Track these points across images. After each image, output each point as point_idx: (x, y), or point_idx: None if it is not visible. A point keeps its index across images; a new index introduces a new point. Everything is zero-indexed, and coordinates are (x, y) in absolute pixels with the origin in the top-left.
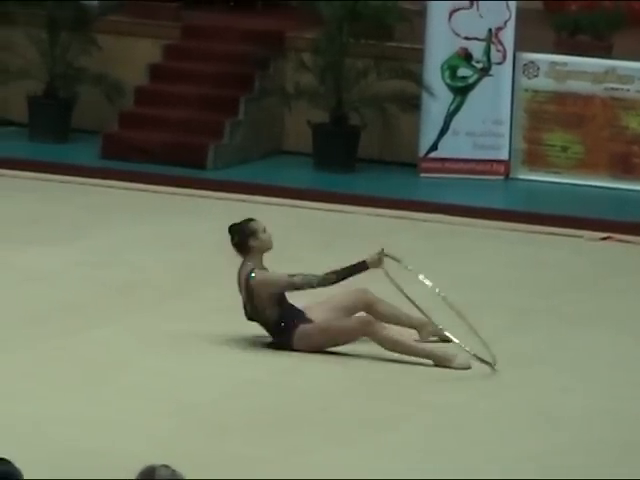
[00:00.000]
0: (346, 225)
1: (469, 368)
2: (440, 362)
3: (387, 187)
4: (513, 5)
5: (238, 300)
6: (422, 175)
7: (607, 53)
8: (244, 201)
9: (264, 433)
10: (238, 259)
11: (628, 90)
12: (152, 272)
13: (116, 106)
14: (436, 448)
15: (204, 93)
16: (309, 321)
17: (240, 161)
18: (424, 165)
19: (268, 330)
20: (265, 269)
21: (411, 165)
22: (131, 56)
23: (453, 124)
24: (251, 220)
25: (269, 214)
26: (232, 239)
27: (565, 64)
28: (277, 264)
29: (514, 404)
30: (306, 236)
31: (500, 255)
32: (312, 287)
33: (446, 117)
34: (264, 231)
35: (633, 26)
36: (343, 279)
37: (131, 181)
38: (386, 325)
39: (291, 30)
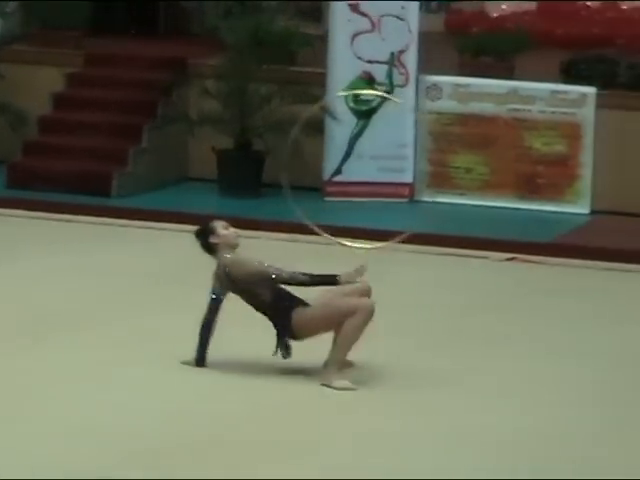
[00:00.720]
0: (252, 250)
1: (352, 389)
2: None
3: (292, 212)
4: (415, 28)
5: (153, 326)
6: (327, 199)
7: (509, 74)
8: (149, 228)
9: (182, 459)
10: (144, 287)
11: (530, 111)
12: (60, 302)
13: (20, 135)
14: (355, 473)
15: (107, 121)
16: (307, 304)
17: (145, 188)
18: (329, 189)
19: (268, 316)
20: None
21: (316, 189)
22: (34, 85)
23: (357, 148)
24: (210, 221)
25: (175, 241)
26: (199, 243)
27: (468, 86)
28: (184, 289)
29: (430, 425)
30: (212, 261)
31: (407, 277)
32: (283, 279)
33: (350, 141)
34: (225, 228)
35: (535, 48)
36: (313, 284)
37: (36, 210)
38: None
39: (194, 57)
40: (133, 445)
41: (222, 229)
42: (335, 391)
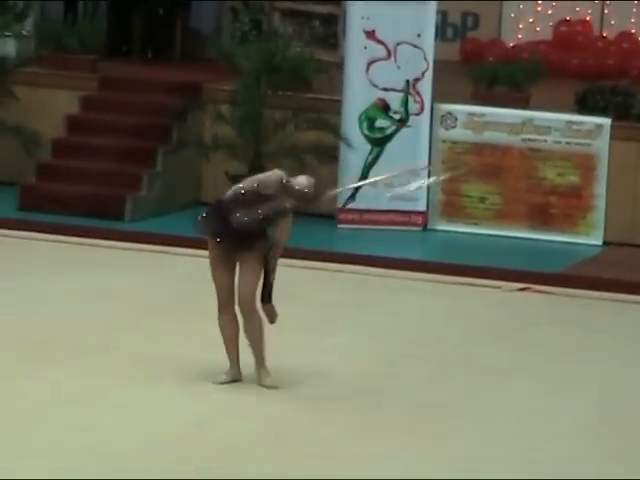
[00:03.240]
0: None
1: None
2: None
3: (305, 239)
4: (430, 56)
5: (158, 353)
6: (340, 226)
7: (524, 104)
8: (163, 252)
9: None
10: (155, 313)
11: (545, 141)
12: (71, 325)
13: (33, 158)
14: None
15: (121, 145)
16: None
17: (158, 213)
18: (342, 216)
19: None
20: None
21: (330, 216)
22: (48, 108)
23: (371, 175)
24: None
25: (188, 266)
26: None
27: (483, 115)
28: (186, 316)
29: (433, 455)
30: None
31: (418, 306)
32: None
33: (364, 168)
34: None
35: (550, 78)
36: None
37: (49, 233)
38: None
39: (209, 82)
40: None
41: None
42: (334, 419)
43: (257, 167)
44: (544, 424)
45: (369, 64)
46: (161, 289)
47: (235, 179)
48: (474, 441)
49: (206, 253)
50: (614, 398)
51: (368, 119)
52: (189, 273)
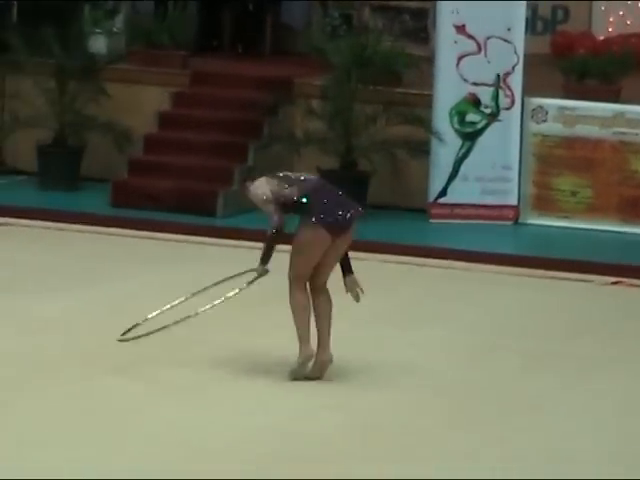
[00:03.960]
0: (358, 272)
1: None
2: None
3: (397, 233)
4: (521, 50)
5: (248, 345)
6: (432, 221)
7: (615, 97)
8: (254, 248)
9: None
10: (248, 307)
11: (637, 134)
12: (164, 321)
13: (125, 154)
14: None
15: (213, 140)
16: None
17: (250, 208)
18: (433, 211)
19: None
20: None
21: (421, 211)
22: (140, 104)
23: (462, 169)
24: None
25: (279, 260)
26: None
27: (574, 109)
28: (279, 310)
29: (529, 448)
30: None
31: (510, 300)
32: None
33: (455, 162)
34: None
35: None
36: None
37: (141, 229)
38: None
39: (299, 77)
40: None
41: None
42: (428, 413)
43: (348, 162)
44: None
45: (459, 58)
46: (255, 283)
47: (326, 174)
48: (569, 433)
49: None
50: None
51: (459, 113)
52: (279, 267)
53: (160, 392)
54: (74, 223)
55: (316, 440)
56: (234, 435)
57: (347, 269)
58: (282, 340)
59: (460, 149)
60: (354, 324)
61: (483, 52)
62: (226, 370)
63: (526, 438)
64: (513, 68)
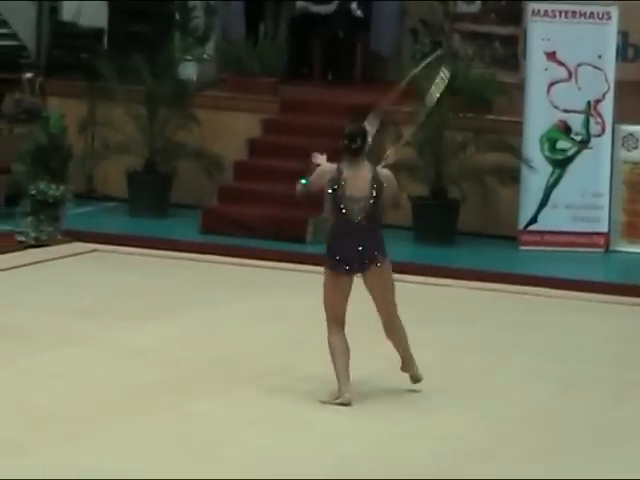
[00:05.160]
0: (446, 299)
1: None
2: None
3: (487, 260)
4: (612, 77)
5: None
6: (522, 248)
7: None
8: None
9: None
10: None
11: None
12: (253, 347)
13: (215, 181)
14: None
15: (302, 167)
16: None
17: None
18: (524, 238)
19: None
20: None
21: (511, 238)
22: (230, 131)
23: (552, 197)
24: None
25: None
26: (355, 142)
27: None
28: (367, 337)
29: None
30: (406, 310)
31: (601, 328)
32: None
33: (545, 190)
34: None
35: None
36: None
37: (231, 255)
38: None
39: (390, 104)
40: None
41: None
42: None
43: (438, 189)
44: None
45: (550, 85)
46: None
47: (416, 201)
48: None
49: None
50: None
51: (549, 140)
52: (369, 295)
53: (249, 421)
54: (164, 249)
55: (409, 467)
56: (327, 464)
57: None
58: (371, 369)
59: (550, 176)
60: (442, 352)
61: (574, 79)
62: (312, 397)
63: (615, 468)
64: (604, 95)
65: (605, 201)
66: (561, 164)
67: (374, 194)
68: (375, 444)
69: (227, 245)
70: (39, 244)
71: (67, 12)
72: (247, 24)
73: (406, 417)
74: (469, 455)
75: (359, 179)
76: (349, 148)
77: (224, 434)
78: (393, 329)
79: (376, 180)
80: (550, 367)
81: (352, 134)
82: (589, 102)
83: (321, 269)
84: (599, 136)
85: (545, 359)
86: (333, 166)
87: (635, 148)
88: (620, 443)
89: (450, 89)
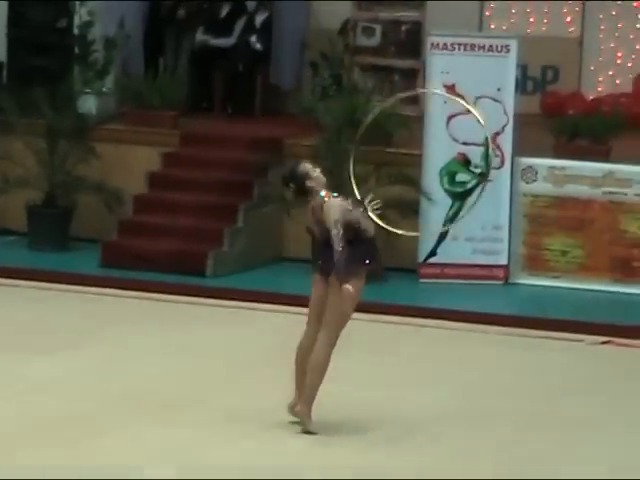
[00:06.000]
0: (348, 332)
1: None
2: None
3: (387, 293)
4: (511, 110)
5: (244, 408)
6: (422, 281)
7: (605, 157)
8: (245, 308)
9: None
10: (238, 368)
11: (626, 194)
12: (155, 380)
13: (115, 214)
14: None
15: (203, 201)
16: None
17: (240, 268)
18: (423, 271)
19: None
20: None
21: (411, 271)
22: (130, 164)
23: (452, 229)
24: (297, 164)
25: (271, 321)
26: (288, 189)
27: (563, 168)
28: (277, 370)
29: None
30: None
31: (502, 360)
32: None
33: (445, 222)
34: (314, 170)
35: (631, 130)
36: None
37: (131, 289)
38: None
39: (289, 137)
40: None
41: (313, 172)
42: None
43: None
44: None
45: (449, 118)
46: (243, 345)
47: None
48: None
49: (289, 309)
50: None
51: (449, 173)
52: (271, 329)
53: (153, 454)
54: (64, 283)
55: None
56: None
57: None
58: (271, 403)
59: (450, 209)
60: (346, 386)
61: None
62: (214, 432)
63: None
64: (503, 128)
65: (505, 234)
66: (461, 197)
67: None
68: (280, 475)
69: (127, 278)
70: None
71: None
72: (147, 58)
73: (311, 447)
74: None
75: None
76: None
77: (128, 468)
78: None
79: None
80: (452, 400)
81: (282, 180)
82: (487, 136)
83: (221, 301)
84: (499, 169)
85: (447, 392)
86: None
87: (534, 180)
88: (523, 475)
89: (350, 122)
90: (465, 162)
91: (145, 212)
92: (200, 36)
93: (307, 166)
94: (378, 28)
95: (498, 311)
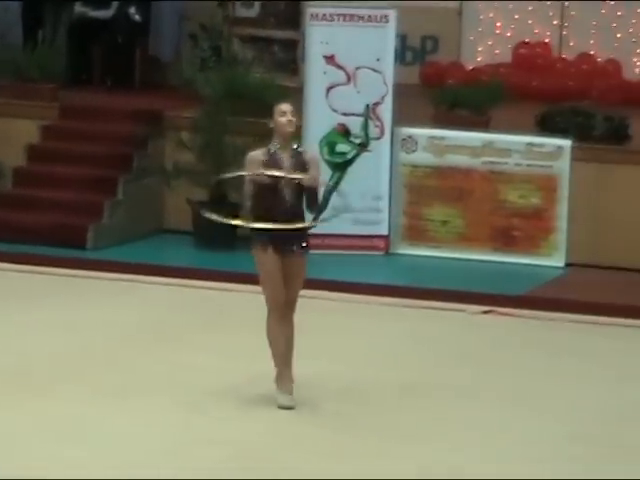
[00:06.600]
0: (228, 303)
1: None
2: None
3: None
4: (390, 80)
5: (131, 382)
6: None
7: (485, 127)
8: (126, 280)
9: None
10: (120, 341)
11: (506, 163)
12: (40, 357)
13: None
14: None
15: (82, 174)
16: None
17: (121, 241)
18: None
19: None
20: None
21: None
22: (8, 137)
23: (332, 200)
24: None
25: (151, 293)
26: None
27: (443, 138)
28: (159, 343)
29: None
30: (189, 315)
31: (382, 330)
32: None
33: (325, 192)
34: (282, 114)
35: (510, 100)
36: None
37: (10, 262)
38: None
39: (170, 109)
40: None
41: (279, 115)
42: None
43: (219, 194)
44: (518, 447)
45: (329, 89)
46: (126, 317)
47: (196, 206)
48: (445, 465)
49: (170, 281)
50: (583, 419)
51: (329, 144)
52: (153, 301)
53: (41, 430)
54: None
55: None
56: (115, 467)
57: None
58: (160, 375)
59: (330, 179)
60: (226, 357)
61: (352, 82)
62: (103, 405)
63: (399, 468)
64: (382, 98)
65: (385, 204)
66: (341, 167)
67: None
68: (161, 450)
69: (6, 252)
70: None
71: None
72: (25, 29)
73: (203, 423)
74: (254, 459)
75: None
76: None
77: (16, 444)
78: None
79: None
80: (335, 370)
81: None
82: (368, 105)
83: (101, 274)
84: (378, 139)
85: (329, 363)
86: None
87: (414, 151)
88: (402, 444)
89: (230, 94)
90: (345, 132)
91: (25, 185)
92: (79, 8)
93: (278, 107)
94: None
95: (379, 281)
